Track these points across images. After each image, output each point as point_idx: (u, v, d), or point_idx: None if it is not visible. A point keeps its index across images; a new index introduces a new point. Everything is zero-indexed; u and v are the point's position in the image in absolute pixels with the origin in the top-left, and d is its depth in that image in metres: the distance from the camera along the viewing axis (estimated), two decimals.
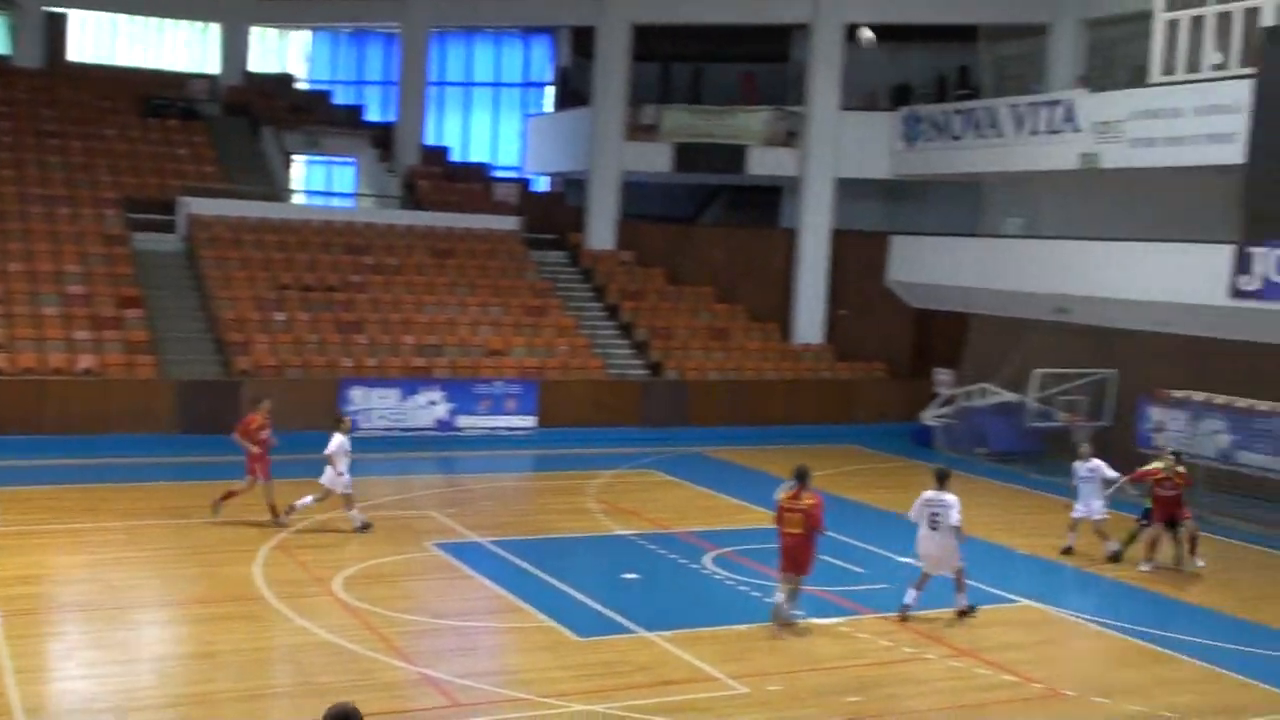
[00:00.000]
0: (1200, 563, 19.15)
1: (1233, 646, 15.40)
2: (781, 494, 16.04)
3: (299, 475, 19.72)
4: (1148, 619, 16.43)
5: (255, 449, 19.36)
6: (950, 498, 16.03)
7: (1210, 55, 25.66)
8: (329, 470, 19.07)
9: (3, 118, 33.40)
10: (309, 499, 19.16)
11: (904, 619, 15.74)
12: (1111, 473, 19.68)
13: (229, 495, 19.38)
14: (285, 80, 41.38)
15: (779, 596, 15.46)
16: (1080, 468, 19.74)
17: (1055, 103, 29.19)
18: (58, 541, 18.14)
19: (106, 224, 30.50)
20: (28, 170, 31.72)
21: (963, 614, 16.00)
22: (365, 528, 19.08)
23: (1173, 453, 19.77)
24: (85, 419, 24.99)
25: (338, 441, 19.12)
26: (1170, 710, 13.15)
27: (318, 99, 40.43)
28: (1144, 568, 18.91)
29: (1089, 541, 19.68)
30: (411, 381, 27.70)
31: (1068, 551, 19.71)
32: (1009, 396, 28.05)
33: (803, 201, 34.01)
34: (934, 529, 15.98)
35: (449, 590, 16.81)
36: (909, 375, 32.93)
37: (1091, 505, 19.59)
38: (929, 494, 16.13)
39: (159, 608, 15.63)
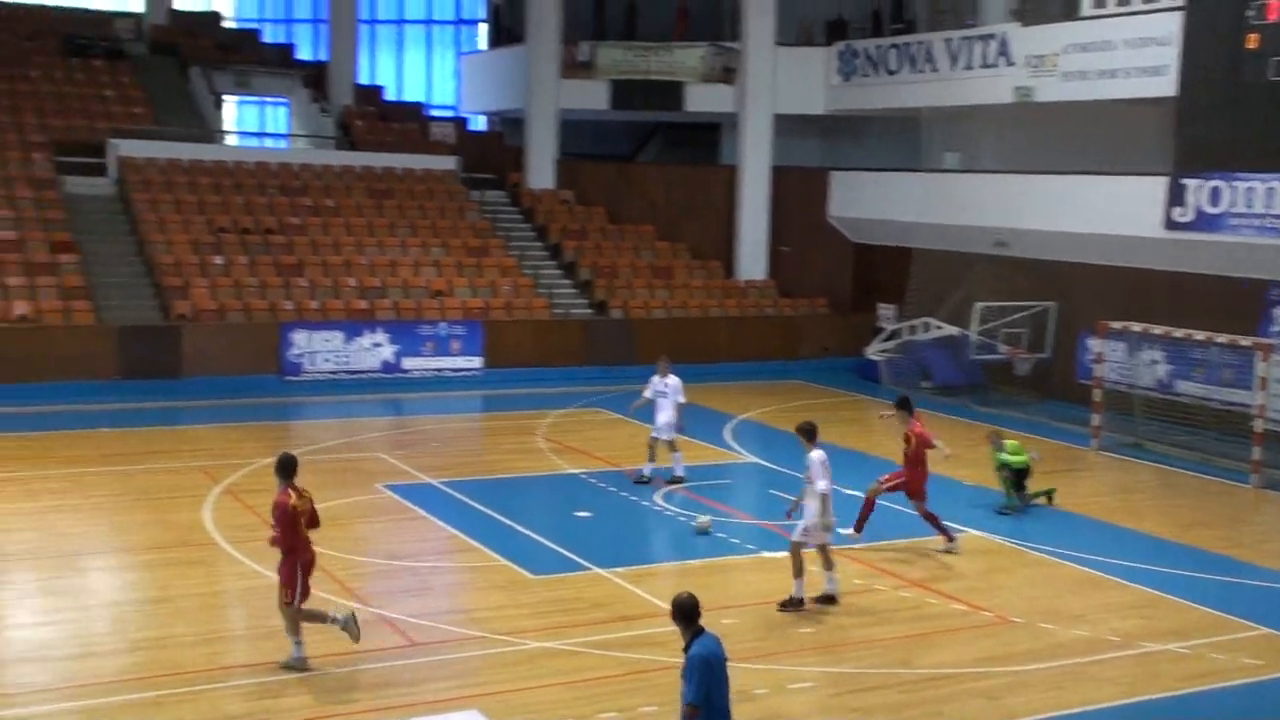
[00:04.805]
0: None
1: (1174, 571, 15.76)
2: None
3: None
4: (1091, 546, 16.73)
5: None
6: (814, 456, 13.86)
7: None
8: None
9: None
10: None
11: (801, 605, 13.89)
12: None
13: None
14: (212, 18, 40.58)
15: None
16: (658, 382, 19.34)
17: (989, 37, 29.28)
18: (1, 490, 17.90)
19: (35, 167, 29.84)
20: None
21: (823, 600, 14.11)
22: None
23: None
24: (23, 366, 24.57)
25: None
26: (1115, 635, 13.46)
27: (246, 37, 39.69)
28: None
29: None
30: (355, 324, 27.50)
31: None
32: (951, 330, 28.33)
33: (742, 138, 33.95)
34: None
35: (401, 531, 16.81)
36: (851, 310, 33.14)
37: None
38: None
39: (109, 554, 15.51)
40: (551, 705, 11.29)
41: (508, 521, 17.05)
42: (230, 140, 37.26)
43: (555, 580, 14.76)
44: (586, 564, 15.28)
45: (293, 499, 11.69)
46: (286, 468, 11.82)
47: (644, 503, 18.30)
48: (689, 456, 19.89)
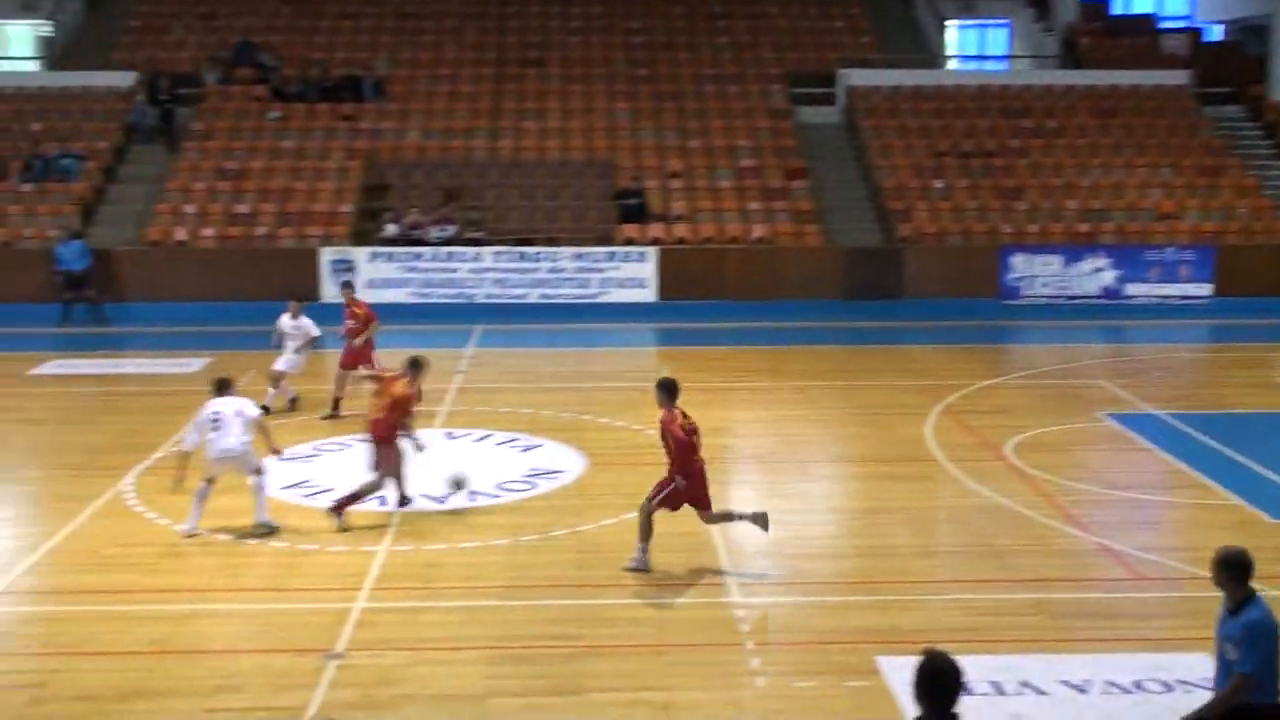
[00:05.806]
0: None
1: None
2: None
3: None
4: None
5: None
6: None
7: None
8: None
9: (677, 3, 35.60)
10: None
11: None
12: None
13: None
14: None
15: None
16: None
17: None
18: (739, 398, 19.41)
19: (772, 99, 31.81)
20: (701, 52, 33.69)
21: None
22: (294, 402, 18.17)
23: None
24: (760, 285, 26.51)
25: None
26: None
27: None
28: None
29: None
30: (1075, 248, 26.88)
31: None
32: None
33: None
34: None
35: (1122, 461, 16.20)
36: None
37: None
38: None
39: (835, 463, 16.32)
40: None
41: (1242, 459, 15.88)
42: (951, 65, 37.48)
43: None
44: None
45: (679, 419, 11.61)
46: (670, 389, 11.75)
47: None
48: None
